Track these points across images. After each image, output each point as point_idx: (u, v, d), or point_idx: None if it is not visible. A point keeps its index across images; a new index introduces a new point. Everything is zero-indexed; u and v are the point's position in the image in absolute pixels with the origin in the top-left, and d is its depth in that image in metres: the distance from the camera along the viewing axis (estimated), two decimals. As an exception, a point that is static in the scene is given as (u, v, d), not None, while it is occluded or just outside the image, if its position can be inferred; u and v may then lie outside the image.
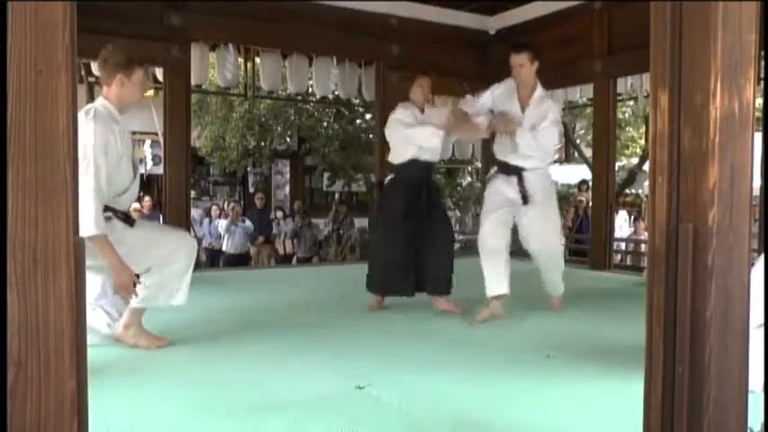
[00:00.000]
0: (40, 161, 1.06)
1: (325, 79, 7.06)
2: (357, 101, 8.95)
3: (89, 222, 2.81)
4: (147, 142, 13.90)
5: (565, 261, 4.41)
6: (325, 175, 15.76)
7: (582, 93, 7.42)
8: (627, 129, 16.07)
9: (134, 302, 3.10)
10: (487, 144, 7.79)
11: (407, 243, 4.12)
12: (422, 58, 7.06)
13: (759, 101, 6.91)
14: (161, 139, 8.60)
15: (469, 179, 14.94)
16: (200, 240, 10.52)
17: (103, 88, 3.11)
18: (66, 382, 1.09)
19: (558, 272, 4.19)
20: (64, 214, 1.08)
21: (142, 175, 14.30)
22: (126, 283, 2.96)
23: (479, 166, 9.10)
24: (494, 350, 3.22)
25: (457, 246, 11.27)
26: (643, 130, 15.21)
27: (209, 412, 2.30)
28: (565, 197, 12.71)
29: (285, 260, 10.55)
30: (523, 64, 3.95)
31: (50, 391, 1.08)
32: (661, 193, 1.36)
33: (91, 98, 9.77)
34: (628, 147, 16.72)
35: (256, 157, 14.98)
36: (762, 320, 2.02)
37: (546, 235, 4.06)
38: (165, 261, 3.10)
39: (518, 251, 4.35)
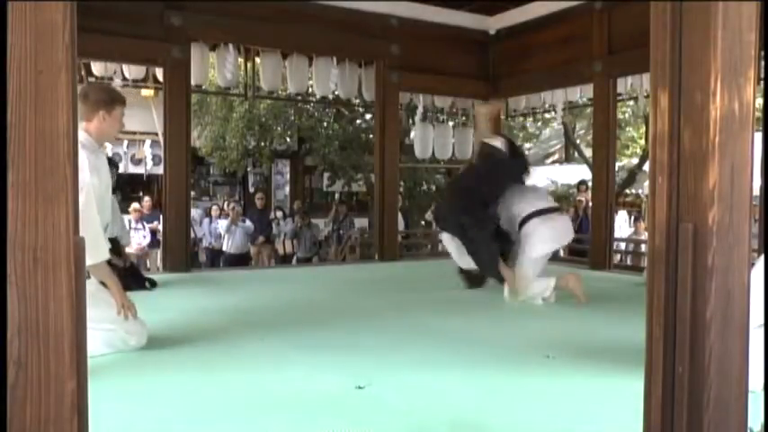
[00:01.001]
0: (40, 161, 1.06)
1: (325, 79, 7.05)
2: (357, 101, 8.93)
3: (101, 248, 2.94)
4: (147, 142, 13.90)
5: (565, 261, 4.46)
6: (326, 175, 15.75)
7: (582, 93, 7.42)
8: (627, 129, 16.06)
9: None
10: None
11: None
12: (422, 57, 7.09)
13: (759, 101, 6.91)
14: (161, 139, 8.59)
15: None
16: (200, 240, 10.54)
17: (83, 122, 3.18)
18: (67, 382, 1.09)
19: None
20: (64, 214, 1.08)
21: (142, 175, 14.33)
22: (130, 302, 3.07)
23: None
24: (494, 350, 3.22)
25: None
26: (643, 130, 15.20)
27: (209, 412, 2.30)
28: (565, 197, 12.72)
29: (285, 260, 10.56)
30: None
31: (50, 391, 1.08)
32: (661, 193, 1.36)
33: (91, 98, 9.74)
34: (628, 147, 16.71)
35: (256, 157, 14.97)
36: (762, 320, 2.02)
37: None
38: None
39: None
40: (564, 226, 4.67)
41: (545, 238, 4.43)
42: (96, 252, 2.89)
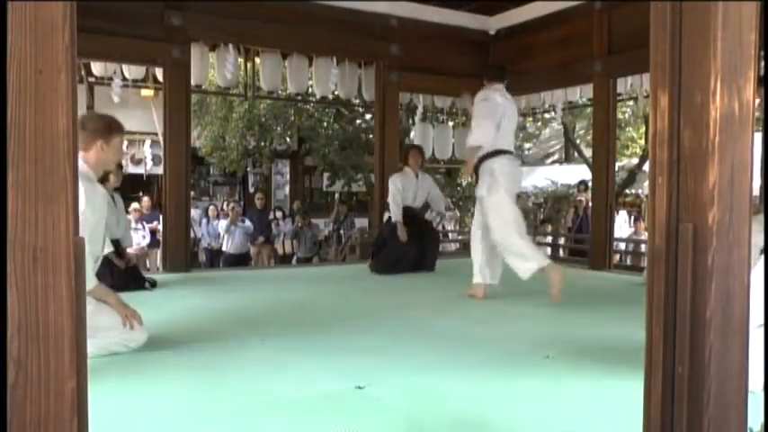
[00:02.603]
0: (40, 161, 1.06)
1: (326, 79, 7.06)
2: (357, 101, 8.94)
3: (91, 275, 2.86)
4: (147, 142, 13.90)
5: (565, 261, 4.45)
6: (325, 175, 15.76)
7: (582, 93, 7.42)
8: (627, 129, 16.08)
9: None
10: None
11: None
12: (422, 57, 7.09)
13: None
14: (161, 139, 8.59)
15: (469, 179, 14.96)
16: (199, 240, 10.54)
17: (80, 152, 3.11)
18: (67, 382, 1.09)
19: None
20: (64, 214, 1.08)
21: (142, 175, 14.33)
22: (132, 311, 3.03)
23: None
24: (493, 350, 3.22)
25: (457, 245, 11.30)
26: (643, 130, 15.22)
27: (209, 412, 2.30)
28: (565, 197, 12.72)
29: (285, 260, 10.56)
30: None
31: (50, 391, 1.08)
32: (661, 193, 1.35)
33: (91, 98, 9.76)
34: (628, 147, 16.73)
35: (256, 157, 14.99)
36: (762, 320, 2.02)
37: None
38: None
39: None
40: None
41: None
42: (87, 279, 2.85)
